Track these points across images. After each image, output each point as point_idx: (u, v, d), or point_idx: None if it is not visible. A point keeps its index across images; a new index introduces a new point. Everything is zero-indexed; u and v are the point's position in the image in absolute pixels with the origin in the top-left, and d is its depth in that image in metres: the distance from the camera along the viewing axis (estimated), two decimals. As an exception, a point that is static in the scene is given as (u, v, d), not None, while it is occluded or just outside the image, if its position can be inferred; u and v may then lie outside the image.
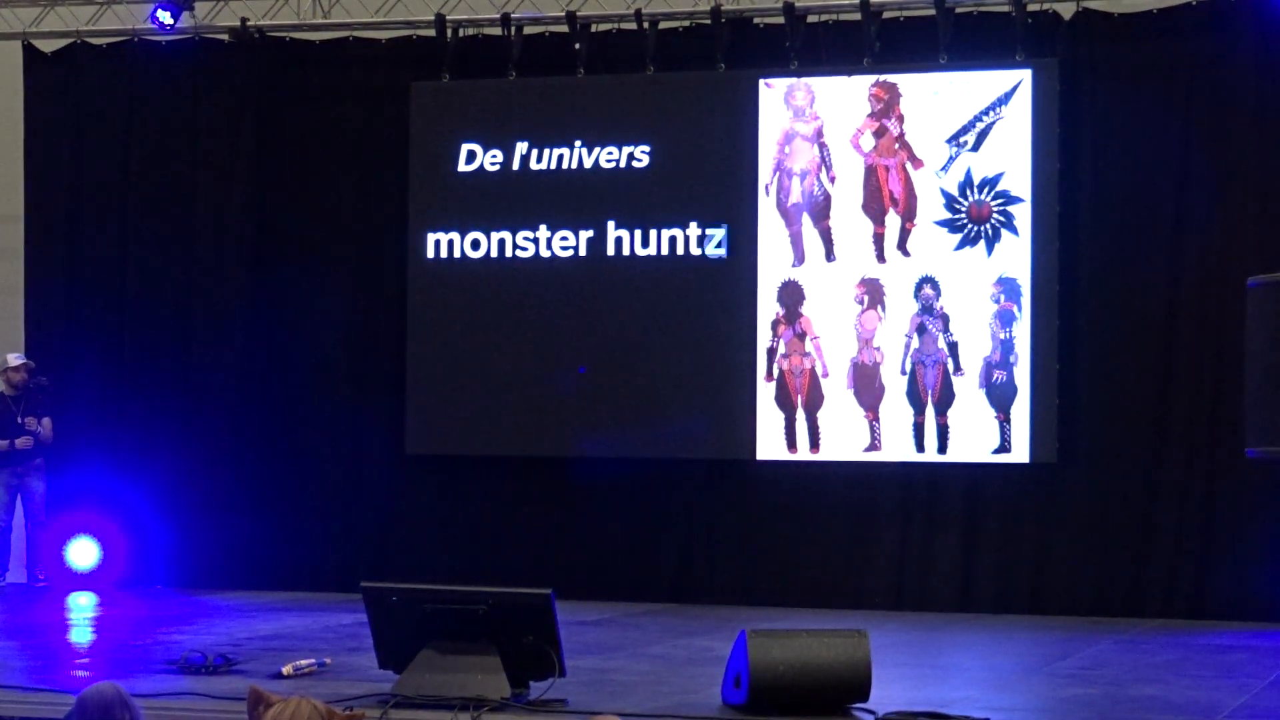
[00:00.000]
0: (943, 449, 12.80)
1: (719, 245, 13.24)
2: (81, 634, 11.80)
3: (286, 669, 8.90)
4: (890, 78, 13.02)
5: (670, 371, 13.30)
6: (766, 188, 13.22)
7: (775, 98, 13.23)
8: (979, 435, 12.75)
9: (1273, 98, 12.37)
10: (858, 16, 12.97)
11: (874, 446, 12.95)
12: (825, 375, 13.06)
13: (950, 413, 12.79)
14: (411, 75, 13.88)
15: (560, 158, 13.60)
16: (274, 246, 14.24)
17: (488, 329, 13.64)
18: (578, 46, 13.50)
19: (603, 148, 13.52)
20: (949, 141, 12.90)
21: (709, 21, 13.26)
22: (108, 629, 11.78)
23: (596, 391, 13.43)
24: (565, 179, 13.57)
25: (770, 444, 13.13)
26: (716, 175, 13.33)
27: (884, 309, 12.98)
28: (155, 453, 14.13)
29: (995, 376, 12.75)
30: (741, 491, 13.32)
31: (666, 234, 13.36)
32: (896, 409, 12.90)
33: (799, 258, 13.15)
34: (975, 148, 12.84)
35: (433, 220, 13.80)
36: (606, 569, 13.36)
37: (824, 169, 13.15)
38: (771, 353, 13.18)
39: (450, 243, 13.76)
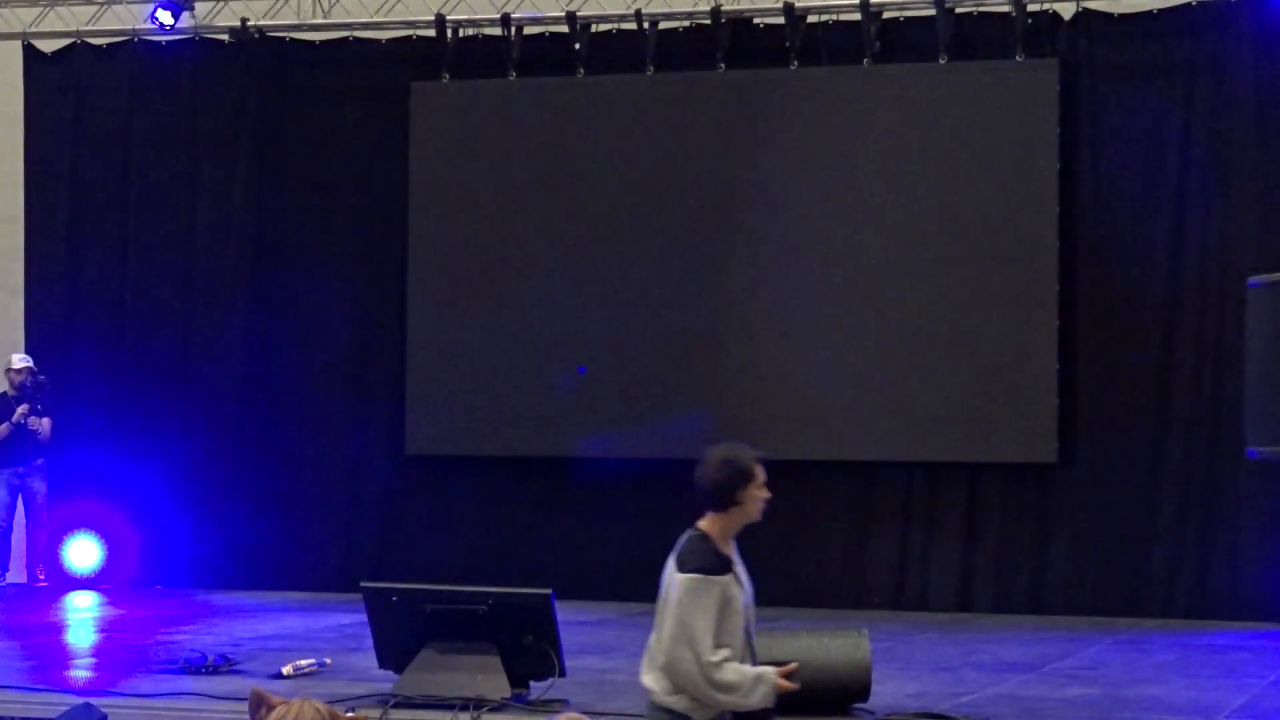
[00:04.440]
0: (943, 449, 12.79)
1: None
2: (81, 634, 11.81)
3: (286, 669, 8.91)
4: (890, 77, 13.02)
5: (670, 371, 13.30)
6: (768, 187, 13.20)
7: (776, 97, 13.23)
8: (979, 435, 12.74)
9: (1273, 98, 12.37)
10: (858, 16, 12.97)
11: (874, 447, 12.94)
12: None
13: (950, 412, 12.77)
14: (411, 75, 13.88)
15: (560, 158, 13.59)
16: (274, 246, 14.24)
17: (488, 330, 13.64)
18: (578, 46, 13.50)
19: (602, 147, 13.51)
20: (949, 141, 12.88)
21: (709, 21, 13.26)
22: (108, 629, 11.79)
23: (596, 391, 13.43)
24: (565, 179, 13.57)
25: (769, 444, 13.11)
26: (717, 175, 13.32)
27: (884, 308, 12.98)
28: (155, 453, 14.12)
29: (995, 375, 12.73)
30: (741, 491, 13.29)
31: (666, 234, 13.35)
32: (896, 409, 12.88)
33: (799, 258, 13.15)
34: (975, 148, 12.83)
35: (432, 221, 13.79)
36: (606, 569, 13.34)
37: (824, 169, 13.14)
38: (771, 353, 13.20)
39: (450, 243, 13.75)
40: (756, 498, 6.24)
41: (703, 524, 6.26)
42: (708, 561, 6.14)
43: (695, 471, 6.28)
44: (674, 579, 6.16)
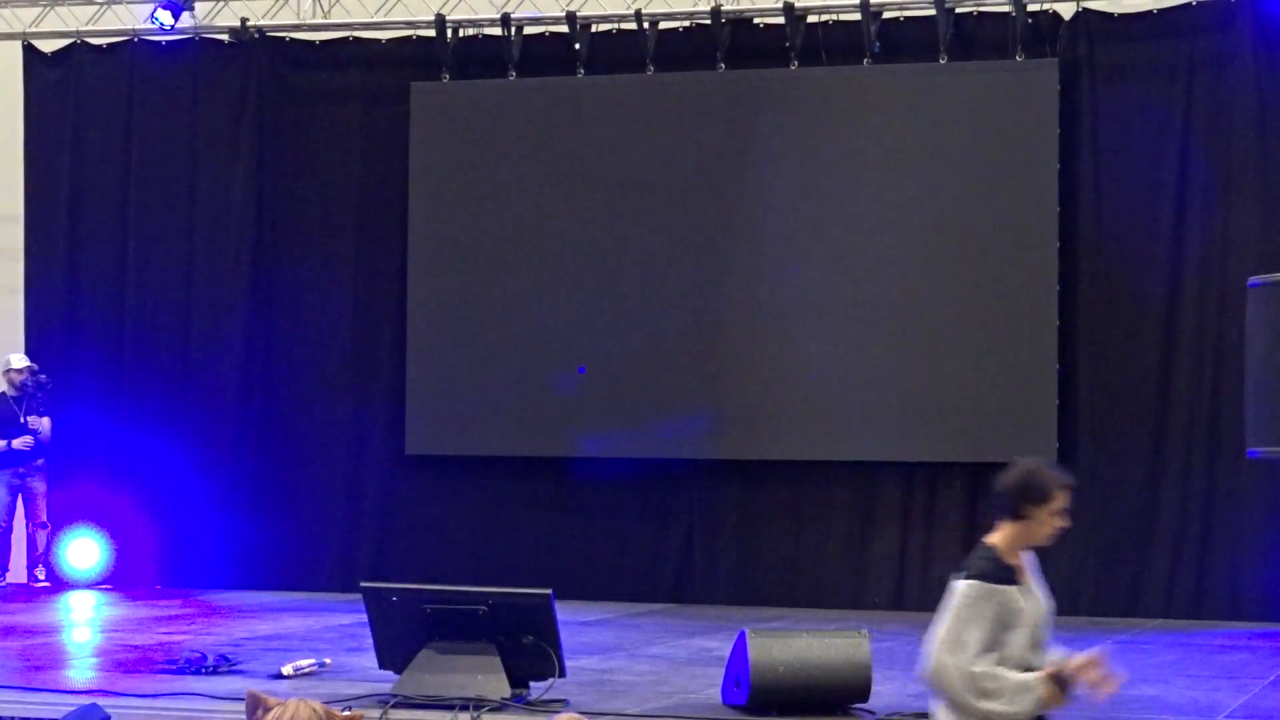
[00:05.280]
0: (943, 449, 12.79)
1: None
2: (81, 634, 11.81)
3: (286, 669, 8.91)
4: (890, 77, 13.03)
5: (670, 371, 13.30)
6: (769, 186, 13.20)
7: (776, 97, 13.23)
8: (979, 435, 12.74)
9: (1273, 98, 12.37)
10: (858, 16, 12.97)
11: (874, 447, 12.94)
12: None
13: (950, 412, 12.77)
14: (411, 75, 13.88)
15: (560, 158, 13.59)
16: (274, 246, 14.24)
17: (488, 330, 13.64)
18: (578, 46, 13.50)
19: (603, 147, 13.51)
20: (949, 141, 12.88)
21: (709, 21, 13.26)
22: (108, 629, 11.79)
23: (596, 391, 13.43)
24: (565, 179, 13.57)
25: (769, 444, 13.13)
26: (717, 175, 13.32)
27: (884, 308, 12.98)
28: (155, 452, 14.12)
29: (995, 375, 12.73)
30: (741, 491, 13.32)
31: (666, 234, 13.35)
32: (896, 409, 12.88)
33: (799, 258, 13.15)
34: (975, 148, 12.83)
35: (433, 220, 13.79)
36: (606, 569, 13.36)
37: (824, 168, 13.14)
38: (771, 353, 13.19)
39: (450, 243, 13.75)
40: (1046, 521, 6.08)
41: (992, 536, 6.15)
42: (988, 569, 6.03)
43: (1003, 470, 6.21)
44: (952, 585, 6.04)
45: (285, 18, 14.14)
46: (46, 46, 14.60)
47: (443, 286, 13.76)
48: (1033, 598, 6.11)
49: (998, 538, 6.14)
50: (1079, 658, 6.01)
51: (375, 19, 13.99)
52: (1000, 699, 5.88)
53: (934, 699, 6.12)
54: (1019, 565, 6.10)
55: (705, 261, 13.26)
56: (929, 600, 12.86)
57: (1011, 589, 6.04)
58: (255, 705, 4.37)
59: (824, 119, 13.13)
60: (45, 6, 14.48)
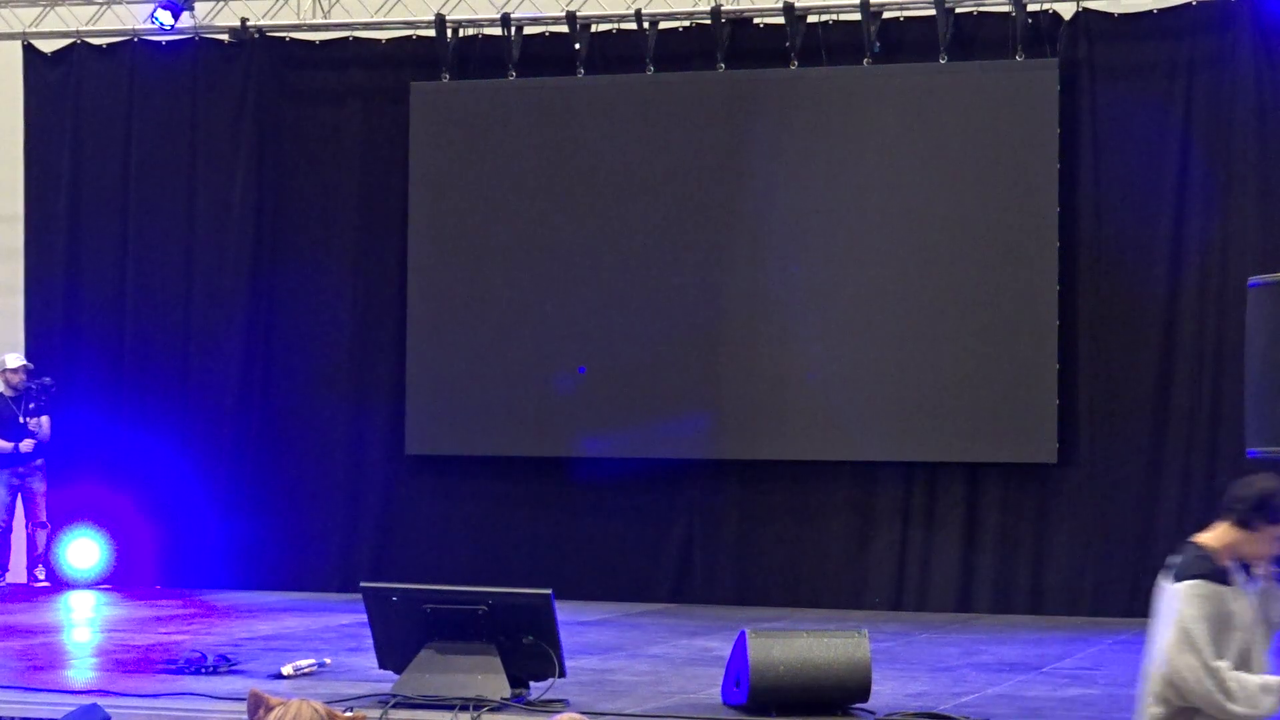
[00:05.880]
0: (943, 449, 12.80)
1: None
2: (81, 634, 11.81)
3: (286, 669, 8.92)
4: (890, 77, 13.03)
5: (670, 371, 13.30)
6: (768, 187, 13.21)
7: (776, 97, 13.23)
8: (979, 435, 12.74)
9: (1273, 98, 12.38)
10: (858, 16, 12.97)
11: (874, 447, 12.94)
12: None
13: (950, 412, 12.78)
14: (411, 75, 13.89)
15: (560, 158, 13.59)
16: (274, 247, 14.25)
17: (488, 330, 13.64)
18: (578, 46, 13.51)
19: (603, 148, 13.52)
20: (949, 141, 12.88)
21: (709, 21, 13.26)
22: (108, 629, 11.79)
23: (596, 391, 13.43)
24: (565, 179, 13.57)
25: (769, 444, 13.13)
26: (717, 175, 13.32)
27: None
28: (155, 453, 14.12)
29: (995, 375, 12.73)
30: (741, 491, 13.32)
31: (666, 234, 13.36)
32: (897, 409, 12.89)
33: (799, 258, 13.15)
34: (975, 148, 12.83)
35: (433, 220, 13.80)
36: (606, 569, 13.37)
37: (824, 169, 13.14)
38: (771, 353, 13.19)
39: (450, 243, 13.76)
40: (1267, 541, 6.05)
41: (1204, 537, 6.12)
42: (1208, 571, 6.01)
43: (1242, 479, 6.15)
44: (1170, 590, 6.01)
45: (285, 18, 14.15)
46: (46, 46, 14.60)
47: (443, 286, 13.76)
48: (1243, 602, 6.09)
49: (1213, 539, 6.11)
50: None
51: (375, 19, 13.99)
52: (1242, 699, 5.91)
53: (1145, 708, 6.09)
54: (1231, 569, 6.09)
55: (705, 262, 13.26)
56: (929, 600, 13.02)
57: (1227, 590, 6.03)
58: (257, 704, 4.38)
59: (824, 119, 13.14)
60: (45, 6, 14.49)
